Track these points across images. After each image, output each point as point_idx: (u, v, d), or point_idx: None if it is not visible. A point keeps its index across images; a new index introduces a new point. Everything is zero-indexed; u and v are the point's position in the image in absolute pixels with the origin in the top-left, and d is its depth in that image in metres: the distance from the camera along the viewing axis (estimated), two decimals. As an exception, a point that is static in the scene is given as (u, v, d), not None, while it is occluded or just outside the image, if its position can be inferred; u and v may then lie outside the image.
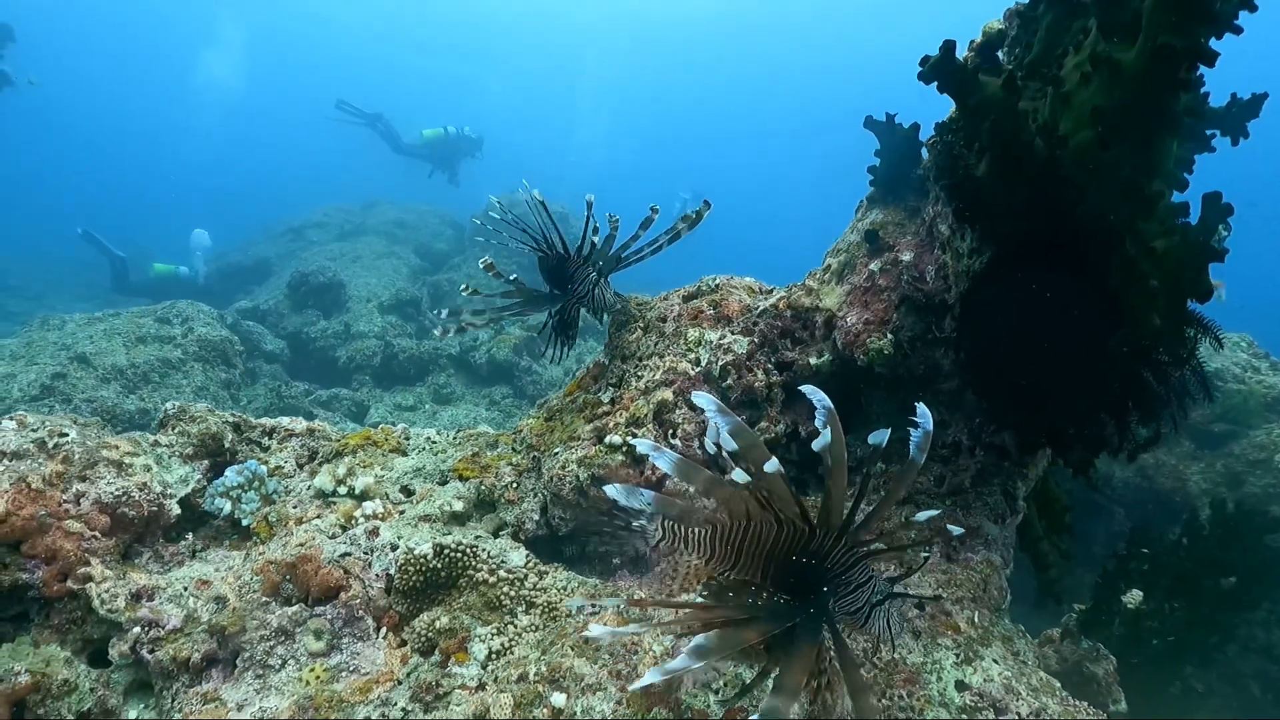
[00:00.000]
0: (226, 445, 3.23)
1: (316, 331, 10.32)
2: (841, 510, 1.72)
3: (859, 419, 2.88)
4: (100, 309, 9.21)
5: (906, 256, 2.51)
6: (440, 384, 9.73)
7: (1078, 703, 2.05)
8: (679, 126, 52.56)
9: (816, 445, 1.64)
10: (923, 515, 1.74)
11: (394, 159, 15.33)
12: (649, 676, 1.41)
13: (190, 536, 2.90)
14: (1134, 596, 3.10)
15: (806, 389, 1.74)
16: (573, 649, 2.01)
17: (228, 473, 3.00)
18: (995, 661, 2.11)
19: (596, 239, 2.89)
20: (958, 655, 2.10)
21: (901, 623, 1.80)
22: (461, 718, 1.98)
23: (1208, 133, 2.71)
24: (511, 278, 2.84)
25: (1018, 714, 1.98)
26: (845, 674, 1.58)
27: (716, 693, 1.73)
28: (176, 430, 3.20)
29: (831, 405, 1.68)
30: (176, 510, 2.89)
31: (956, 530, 1.78)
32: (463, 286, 3.08)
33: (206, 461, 3.16)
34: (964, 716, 1.95)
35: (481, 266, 2.86)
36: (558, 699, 1.84)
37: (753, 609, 1.71)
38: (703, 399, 1.74)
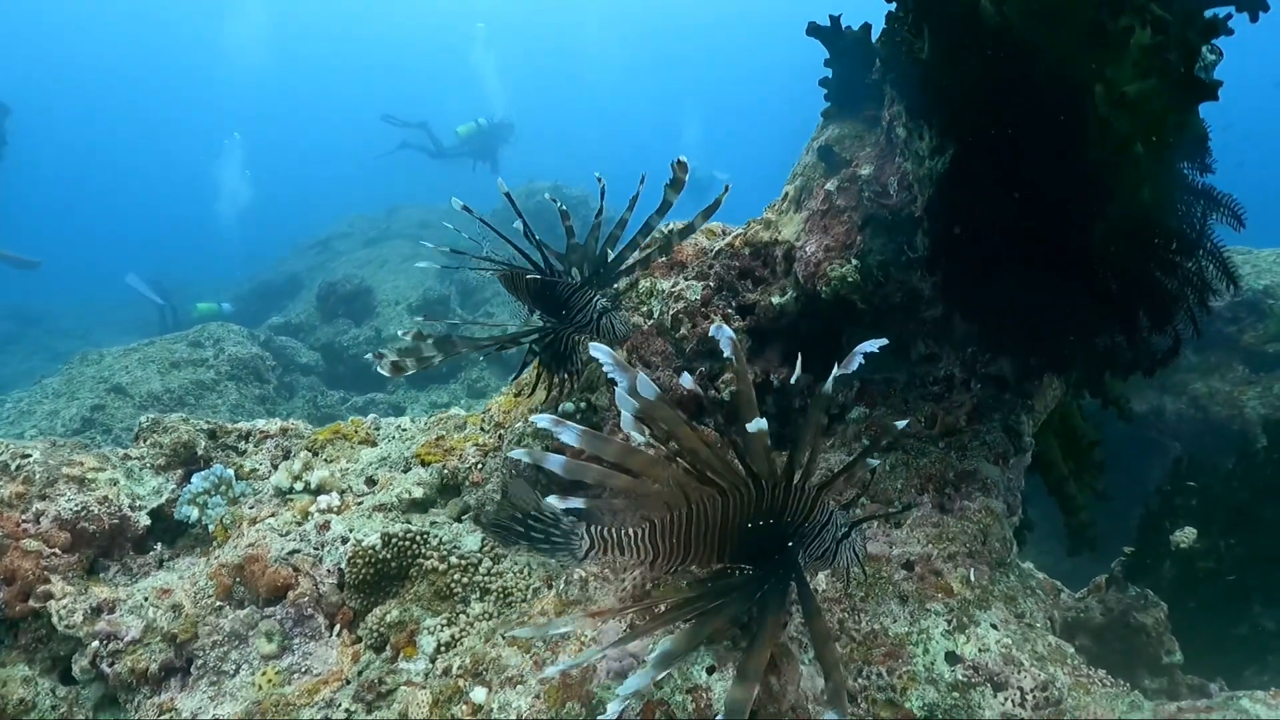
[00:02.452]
0: (199, 453, 3.16)
1: (349, 340, 10.44)
2: (765, 454, 1.49)
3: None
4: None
5: (866, 170, 2.20)
6: (474, 378, 9.71)
7: (1093, 671, 1.73)
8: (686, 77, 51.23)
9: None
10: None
11: (417, 162, 15.39)
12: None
13: (159, 546, 2.84)
14: (1186, 534, 2.72)
15: (713, 328, 1.51)
16: (504, 637, 1.82)
17: (194, 479, 2.93)
18: (994, 627, 1.81)
19: (595, 247, 2.42)
20: (949, 622, 1.82)
21: (865, 546, 1.62)
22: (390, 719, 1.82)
23: (1221, 13, 2.30)
24: (434, 339, 2.31)
25: (1019, 688, 1.68)
26: (809, 624, 1.40)
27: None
28: (149, 442, 3.16)
29: (735, 337, 1.44)
30: (145, 521, 2.83)
31: (903, 423, 1.52)
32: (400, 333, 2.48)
33: (180, 471, 3.10)
34: (954, 695, 1.67)
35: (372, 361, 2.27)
36: (478, 694, 1.65)
37: (719, 591, 1.51)
38: (599, 351, 1.50)
